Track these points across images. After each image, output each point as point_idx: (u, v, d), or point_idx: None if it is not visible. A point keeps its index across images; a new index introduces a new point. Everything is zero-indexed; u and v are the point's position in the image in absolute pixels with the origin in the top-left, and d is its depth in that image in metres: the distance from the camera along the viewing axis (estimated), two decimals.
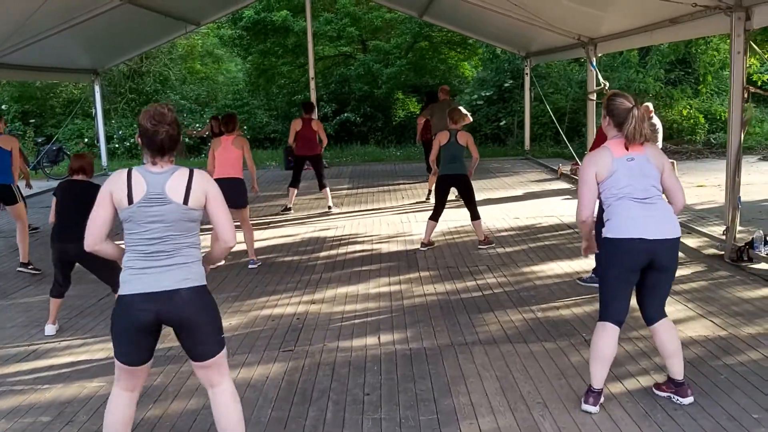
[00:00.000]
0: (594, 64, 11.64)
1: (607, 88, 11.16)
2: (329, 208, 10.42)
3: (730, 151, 6.80)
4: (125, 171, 3.13)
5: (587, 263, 6.50)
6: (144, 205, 3.03)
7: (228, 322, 5.58)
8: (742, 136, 6.80)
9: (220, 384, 3.21)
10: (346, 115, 19.76)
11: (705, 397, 3.88)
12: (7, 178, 7.44)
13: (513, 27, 12.47)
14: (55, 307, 5.57)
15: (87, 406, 4.07)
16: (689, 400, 3.81)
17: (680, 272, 5.52)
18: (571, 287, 6.19)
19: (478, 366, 4.46)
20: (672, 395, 3.87)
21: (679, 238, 3.73)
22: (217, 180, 7.13)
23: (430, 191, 11.08)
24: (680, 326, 4.93)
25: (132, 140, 19.62)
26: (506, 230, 8.78)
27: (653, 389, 3.98)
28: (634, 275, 3.72)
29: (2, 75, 13.31)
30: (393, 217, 9.86)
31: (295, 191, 10.54)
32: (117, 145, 19.25)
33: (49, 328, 5.51)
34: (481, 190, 11.17)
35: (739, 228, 7.03)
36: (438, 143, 7.90)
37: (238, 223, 6.91)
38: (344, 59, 21.69)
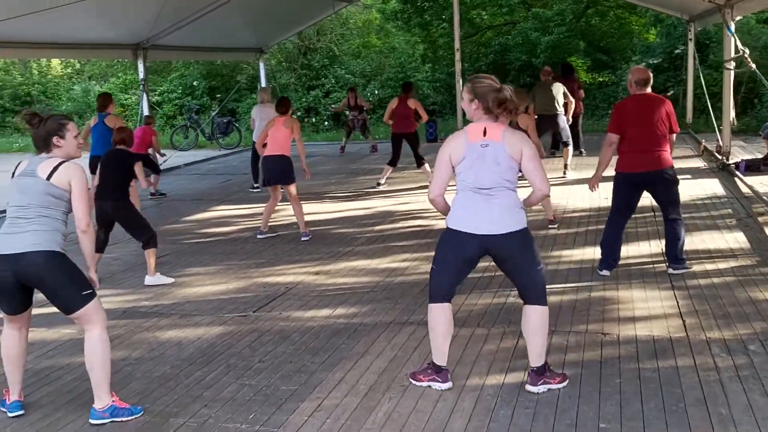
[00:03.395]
0: (731, 29, 10.39)
1: (747, 55, 9.93)
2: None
3: None
4: None
5: (625, 250, 6.07)
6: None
7: (227, 285, 6.09)
8: None
9: (90, 330, 3.67)
10: (512, 87, 19.32)
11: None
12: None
13: None
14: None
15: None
16: (534, 388, 3.68)
17: None
18: (583, 274, 5.84)
19: (390, 345, 4.48)
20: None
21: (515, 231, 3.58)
22: (265, 157, 7.76)
23: (566, 166, 10.74)
24: None
25: (299, 113, 20.96)
26: (585, 210, 8.31)
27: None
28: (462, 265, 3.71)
29: (159, 56, 14.86)
30: None
31: (391, 169, 10.76)
32: None
33: None
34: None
35: None
36: None
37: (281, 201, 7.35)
38: (509, 28, 21.18)
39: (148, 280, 6.17)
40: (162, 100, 21.70)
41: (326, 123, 20.53)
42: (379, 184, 10.66)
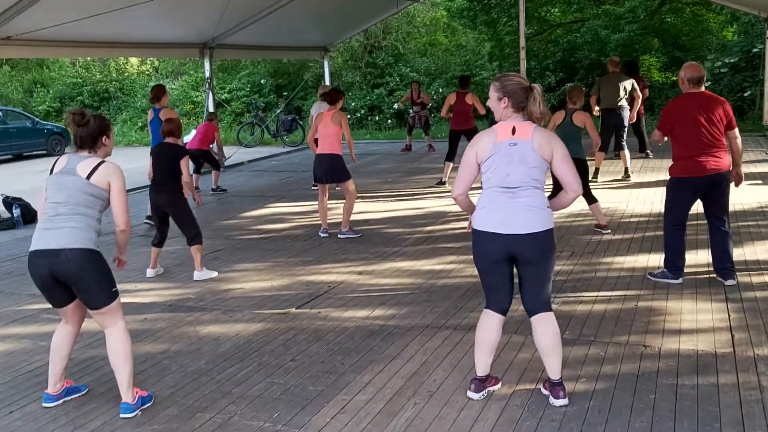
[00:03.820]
0: None
1: None
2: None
3: None
4: None
5: (694, 258, 5.88)
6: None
7: (271, 282, 6.17)
8: None
9: (111, 327, 3.79)
10: (570, 84, 18.94)
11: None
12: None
13: None
14: (154, 255, 6.63)
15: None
16: (561, 402, 3.56)
17: None
18: (633, 282, 5.65)
19: (422, 349, 4.44)
20: (548, 394, 3.62)
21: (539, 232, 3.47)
22: (317, 156, 7.82)
23: (597, 169, 10.51)
24: None
25: (363, 111, 21.07)
26: (645, 216, 8.04)
27: (541, 387, 3.76)
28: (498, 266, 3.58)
29: (225, 55, 15.14)
30: None
31: (451, 165, 10.68)
32: (348, 116, 20.80)
33: (149, 272, 6.58)
34: (664, 170, 10.18)
35: None
36: (553, 123, 7.56)
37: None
38: (579, 26, 20.70)
39: (197, 275, 6.32)
40: (231, 97, 22.18)
41: (389, 121, 20.56)
42: (443, 182, 10.59)
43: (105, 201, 3.75)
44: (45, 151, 19.53)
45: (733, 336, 4.41)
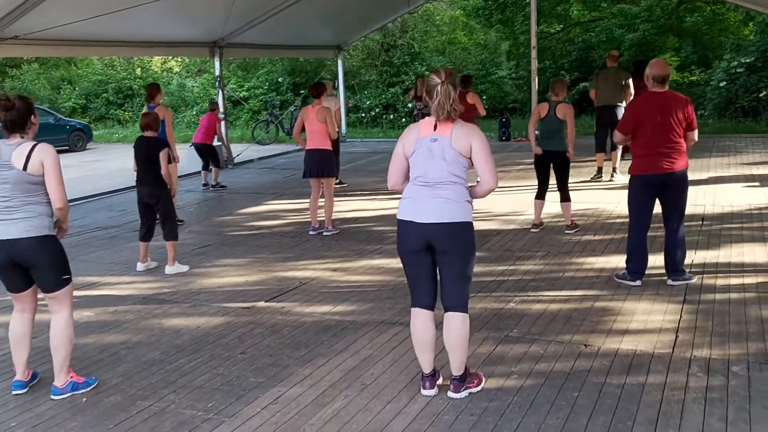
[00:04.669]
0: None
1: None
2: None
3: None
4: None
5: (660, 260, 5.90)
6: None
7: (247, 278, 6.33)
8: None
9: (57, 312, 3.98)
10: (584, 84, 18.85)
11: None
12: None
13: None
14: (143, 250, 6.81)
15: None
16: (455, 395, 3.72)
17: None
18: (597, 283, 5.69)
19: (370, 344, 4.56)
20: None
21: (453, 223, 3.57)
22: (308, 151, 7.96)
23: (599, 169, 10.51)
24: None
25: (377, 110, 21.19)
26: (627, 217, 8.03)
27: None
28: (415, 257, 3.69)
29: (235, 54, 15.36)
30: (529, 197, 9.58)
31: None
32: (363, 115, 20.96)
33: (139, 266, 6.77)
34: None
35: None
36: (537, 115, 7.62)
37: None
38: (595, 25, 20.56)
39: (168, 269, 6.53)
40: (249, 95, 22.48)
41: (404, 120, 20.65)
42: None
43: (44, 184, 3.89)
44: (67, 147, 20.01)
45: (677, 337, 4.45)
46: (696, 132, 5.39)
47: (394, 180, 3.81)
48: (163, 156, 6.47)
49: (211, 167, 11.71)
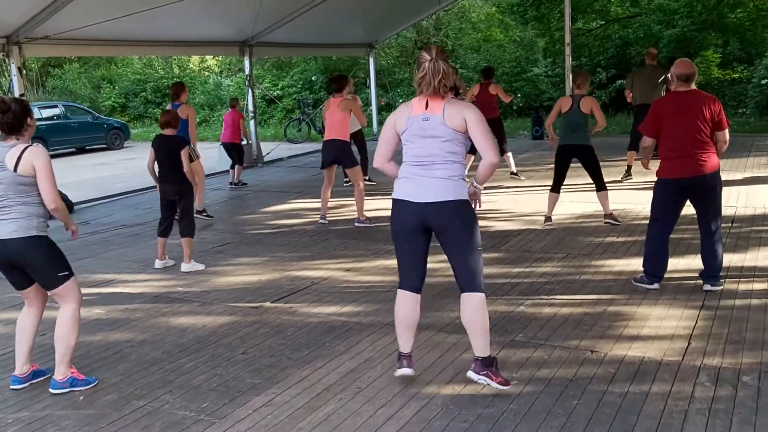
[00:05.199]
0: None
1: None
2: (512, 174, 10.40)
3: None
4: None
5: (685, 263, 5.74)
6: None
7: (260, 277, 6.33)
8: None
9: (63, 306, 4.03)
10: (621, 81, 18.45)
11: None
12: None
13: None
14: (161, 246, 6.86)
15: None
16: (475, 376, 3.68)
17: None
18: (613, 286, 5.53)
19: (371, 347, 4.49)
20: (478, 379, 3.71)
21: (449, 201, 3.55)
22: (325, 141, 7.98)
23: (629, 167, 10.28)
24: None
25: None
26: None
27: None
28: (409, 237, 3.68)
29: (264, 53, 15.43)
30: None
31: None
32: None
33: (158, 263, 6.82)
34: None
35: None
36: (558, 109, 7.50)
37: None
38: (632, 21, 20.12)
39: (184, 267, 6.54)
40: (283, 94, 22.60)
41: None
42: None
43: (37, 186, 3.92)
44: (105, 145, 20.41)
45: (689, 344, 4.28)
46: (726, 132, 5.18)
47: (381, 158, 3.80)
48: (184, 154, 6.50)
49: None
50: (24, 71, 10.08)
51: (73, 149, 20.08)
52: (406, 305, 3.79)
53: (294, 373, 4.13)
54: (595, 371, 3.95)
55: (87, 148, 20.38)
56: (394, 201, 3.71)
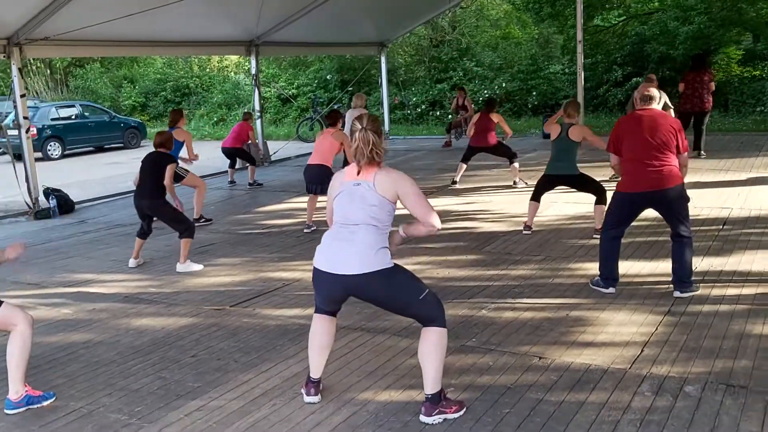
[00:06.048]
0: None
1: None
2: (514, 183, 10.21)
3: None
4: None
5: (641, 267, 5.59)
6: None
7: (234, 278, 6.33)
8: None
9: (15, 327, 3.86)
10: (637, 79, 18.15)
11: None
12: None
13: None
14: (137, 246, 6.93)
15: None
16: (427, 419, 3.46)
17: None
18: (584, 290, 5.43)
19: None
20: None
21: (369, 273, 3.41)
22: (306, 166, 8.01)
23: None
24: None
25: (424, 106, 21.00)
26: (647, 220, 7.62)
27: None
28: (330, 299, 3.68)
29: (271, 52, 15.43)
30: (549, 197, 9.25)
31: (465, 166, 10.55)
32: (409, 111, 20.80)
33: (131, 262, 6.90)
34: (712, 171, 9.66)
35: None
36: (550, 128, 7.33)
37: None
38: (649, 18, 19.76)
39: (179, 267, 6.60)
40: (298, 93, 22.66)
41: (449, 117, 20.39)
42: (455, 182, 10.50)
43: None
44: (122, 144, 20.66)
45: (641, 352, 4.17)
46: (685, 155, 5.18)
47: (329, 221, 3.75)
48: (169, 168, 6.57)
49: (237, 166, 11.94)
50: (29, 70, 10.22)
51: (90, 148, 20.36)
52: (322, 327, 3.71)
53: (236, 378, 4.11)
54: (537, 378, 3.87)
55: (105, 147, 20.64)
56: (316, 270, 3.58)
